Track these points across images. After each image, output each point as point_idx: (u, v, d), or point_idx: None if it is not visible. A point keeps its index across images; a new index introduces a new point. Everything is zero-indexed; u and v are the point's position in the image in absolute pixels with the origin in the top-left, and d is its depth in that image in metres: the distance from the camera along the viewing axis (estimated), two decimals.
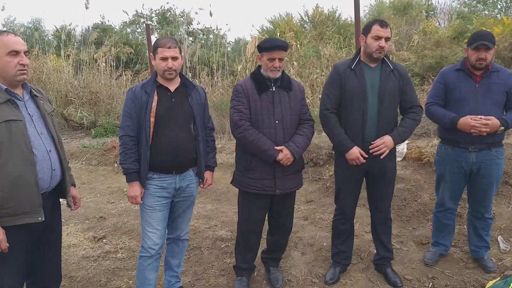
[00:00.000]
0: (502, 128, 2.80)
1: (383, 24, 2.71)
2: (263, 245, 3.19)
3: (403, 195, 4.15)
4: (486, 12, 15.30)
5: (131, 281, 3.15)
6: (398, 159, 4.77)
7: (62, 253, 2.47)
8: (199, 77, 10.13)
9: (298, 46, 10.14)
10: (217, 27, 17.54)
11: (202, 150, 2.67)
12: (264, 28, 14.24)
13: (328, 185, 4.81)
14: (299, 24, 14.26)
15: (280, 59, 2.76)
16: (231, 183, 3.02)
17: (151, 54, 2.56)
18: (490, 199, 3.03)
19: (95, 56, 11.05)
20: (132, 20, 17.80)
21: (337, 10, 15.80)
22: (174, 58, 2.48)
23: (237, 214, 3.03)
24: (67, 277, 3.22)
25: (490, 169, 2.94)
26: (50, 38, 15.88)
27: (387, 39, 2.72)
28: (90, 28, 15.66)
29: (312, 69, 9.42)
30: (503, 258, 3.23)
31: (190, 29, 16.70)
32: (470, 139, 2.89)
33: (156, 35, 16.10)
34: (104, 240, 3.99)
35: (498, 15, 13.91)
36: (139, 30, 17.95)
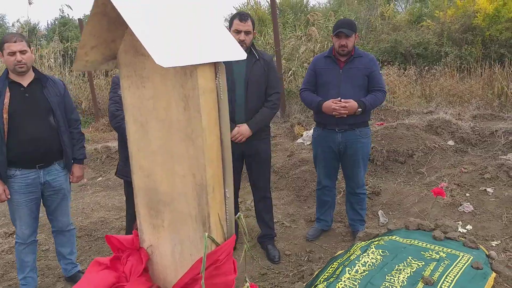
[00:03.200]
0: (360, 110, 3.01)
1: (242, 18, 2.87)
2: None
3: (304, 176, 4.37)
4: None
5: None
6: (308, 142, 5.00)
7: None
8: None
9: (260, 36, 10.16)
10: None
11: (66, 142, 2.76)
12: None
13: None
14: (267, 12, 14.36)
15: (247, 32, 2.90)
16: (115, 175, 3.14)
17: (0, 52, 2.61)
18: (359, 175, 3.27)
19: (44, 52, 10.85)
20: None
21: None
22: (23, 52, 2.56)
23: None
24: None
25: (355, 147, 3.16)
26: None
27: (247, 32, 2.88)
28: (57, 22, 15.25)
29: None
30: (381, 231, 3.48)
31: None
32: (334, 121, 3.10)
33: None
34: (14, 236, 4.05)
35: None
36: None
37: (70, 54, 11.22)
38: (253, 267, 3.12)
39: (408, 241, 2.44)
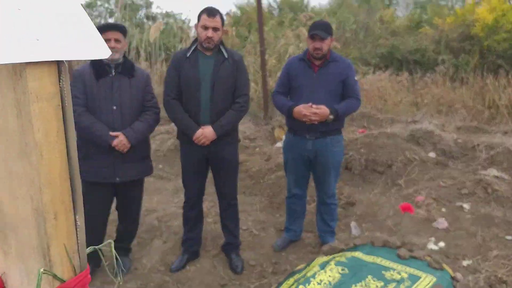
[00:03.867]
0: (331, 117, 2.87)
1: (210, 13, 2.71)
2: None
3: (280, 182, 4.22)
4: (442, 2, 15.71)
5: None
6: None
7: None
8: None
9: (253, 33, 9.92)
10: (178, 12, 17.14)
11: None
12: (232, 14, 14.05)
13: None
14: (267, 10, 14.24)
15: (117, 40, 2.73)
16: None
17: None
18: (330, 185, 3.12)
19: None
20: (89, 3, 17.15)
21: None
22: None
23: None
24: None
25: (326, 156, 3.02)
26: None
27: (215, 29, 2.73)
28: None
29: (247, 56, 9.37)
30: (350, 244, 3.34)
31: (150, 13, 16.32)
32: (305, 127, 2.95)
33: (113, 19, 15.60)
34: None
35: (457, 5, 14.30)
36: (95, 13, 17.32)
37: None
38: (213, 277, 2.97)
39: (371, 259, 2.30)
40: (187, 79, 2.80)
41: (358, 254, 2.35)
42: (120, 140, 2.71)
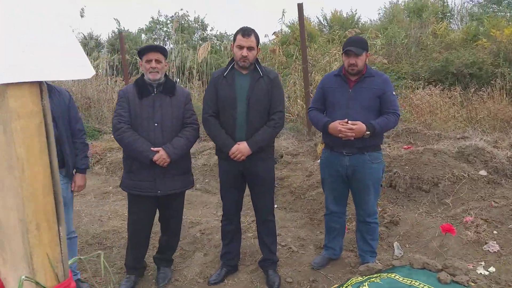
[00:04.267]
0: (368, 133, 2.82)
1: (245, 33, 2.80)
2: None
3: (321, 199, 4.17)
4: (500, 13, 14.96)
5: None
6: None
7: None
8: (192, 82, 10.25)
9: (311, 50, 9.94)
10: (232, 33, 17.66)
11: (67, 151, 2.80)
12: (280, 33, 14.24)
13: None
14: (317, 28, 14.32)
15: (157, 61, 2.89)
16: (119, 186, 3.15)
17: None
18: (369, 203, 3.05)
19: (95, 62, 11.46)
20: (149, 27, 18.15)
21: (356, 13, 15.52)
22: None
23: None
24: None
25: (363, 172, 2.96)
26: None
27: (250, 48, 2.81)
28: (112, 35, 16.10)
29: (293, 74, 9.43)
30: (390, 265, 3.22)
31: (205, 35, 16.99)
32: (342, 143, 2.92)
33: (170, 42, 16.31)
34: None
35: None
36: (155, 36, 18.26)
37: (117, 65, 11.73)
38: None
39: (408, 281, 2.21)
40: (224, 97, 2.89)
41: (395, 276, 2.27)
42: (160, 155, 2.84)
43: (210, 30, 17.30)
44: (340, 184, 3.08)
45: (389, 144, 4.77)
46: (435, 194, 3.85)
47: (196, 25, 17.62)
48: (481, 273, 2.81)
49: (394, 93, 2.97)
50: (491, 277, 2.74)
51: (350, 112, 2.89)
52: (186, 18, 17.97)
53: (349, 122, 2.83)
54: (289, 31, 13.82)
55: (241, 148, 2.83)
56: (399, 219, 3.69)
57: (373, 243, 3.15)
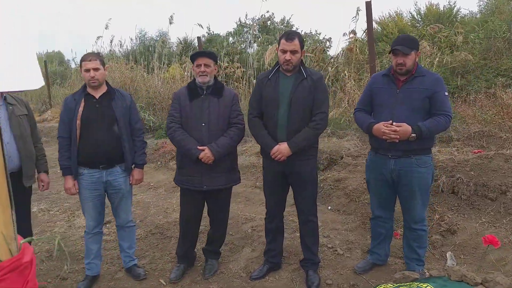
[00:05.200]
0: (414, 135, 2.69)
1: (288, 37, 2.85)
2: None
3: None
4: None
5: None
6: None
7: None
8: None
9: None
10: (316, 32, 17.53)
11: (127, 148, 3.11)
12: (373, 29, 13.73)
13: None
14: (409, 24, 13.71)
15: (206, 65, 3.09)
16: (173, 181, 3.41)
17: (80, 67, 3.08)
18: (416, 209, 2.90)
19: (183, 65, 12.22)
20: (236, 30, 18.82)
21: (455, 5, 13.99)
22: (96, 69, 2.98)
23: None
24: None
25: (410, 177, 2.83)
26: (174, 49, 17.52)
27: (293, 52, 2.85)
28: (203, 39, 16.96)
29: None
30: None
31: None
32: (386, 145, 2.83)
33: (256, 44, 16.74)
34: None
35: None
36: (242, 39, 18.84)
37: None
38: None
39: None
40: (267, 99, 2.98)
41: (426, 286, 2.15)
42: (205, 153, 3.03)
43: (296, 30, 17.35)
44: (385, 188, 2.98)
45: (457, 148, 4.44)
46: (502, 203, 3.50)
47: (282, 26, 17.81)
48: None
49: (446, 93, 2.80)
50: None
51: (396, 113, 2.79)
52: (272, 20, 18.27)
53: (394, 123, 2.73)
54: (379, 28, 13.29)
55: (281, 149, 2.89)
56: (458, 228, 3.44)
57: (420, 251, 2.99)
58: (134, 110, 3.23)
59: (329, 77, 9.12)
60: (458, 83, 8.49)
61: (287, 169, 3.01)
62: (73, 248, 4.01)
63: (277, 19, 18.19)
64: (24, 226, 3.06)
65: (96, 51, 14.95)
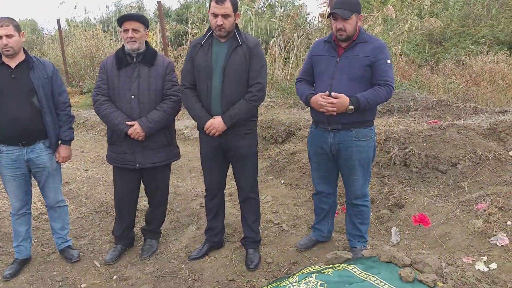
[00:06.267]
0: (351, 107, 2.50)
1: (218, 0, 2.57)
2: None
3: None
4: None
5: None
6: None
7: None
8: None
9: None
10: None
11: (49, 122, 2.83)
12: None
13: (270, 163, 4.69)
14: None
15: (135, 30, 2.80)
16: (105, 158, 3.17)
17: None
18: (357, 184, 2.75)
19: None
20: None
21: None
22: (9, 36, 2.66)
23: None
24: None
25: (350, 151, 2.66)
26: (151, 16, 16.77)
27: (225, 16, 2.58)
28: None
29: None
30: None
31: (270, 2, 16.60)
32: (325, 118, 2.64)
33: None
34: None
35: None
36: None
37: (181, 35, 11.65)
38: (225, 271, 2.89)
39: (364, 276, 1.97)
40: (199, 68, 2.73)
41: (353, 268, 2.02)
42: (134, 129, 2.79)
43: None
44: (326, 162, 2.82)
45: (414, 118, 4.30)
46: (452, 176, 3.40)
47: None
48: (479, 269, 2.44)
49: (388, 61, 2.59)
50: (489, 275, 2.36)
51: (335, 84, 2.59)
52: None
53: (332, 94, 2.53)
54: None
55: (215, 123, 2.67)
56: (406, 202, 3.34)
57: (362, 228, 2.87)
58: (57, 81, 2.92)
59: (301, 43, 8.76)
60: (436, 50, 8.31)
61: (224, 144, 2.80)
62: (9, 229, 3.77)
63: None
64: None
65: (70, 19, 14.13)
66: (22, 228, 3.04)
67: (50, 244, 3.45)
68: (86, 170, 5.64)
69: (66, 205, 3.23)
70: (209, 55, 2.70)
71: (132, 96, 2.84)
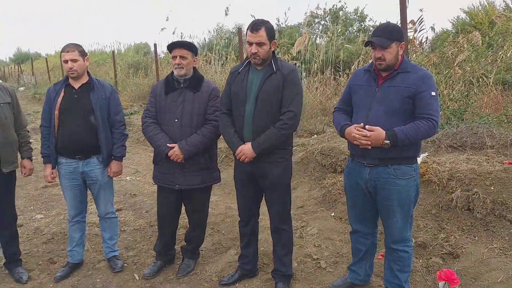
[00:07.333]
0: (387, 142, 2.31)
1: (253, 28, 2.60)
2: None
3: None
4: None
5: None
6: None
7: None
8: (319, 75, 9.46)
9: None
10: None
11: (103, 139, 3.08)
12: (460, 19, 12.59)
13: (323, 193, 4.51)
14: (503, 13, 12.39)
15: (182, 57, 2.96)
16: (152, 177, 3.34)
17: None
18: (395, 227, 2.51)
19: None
20: (308, 21, 18.42)
21: None
22: (74, 60, 2.98)
23: None
24: None
25: (387, 189, 2.45)
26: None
27: (259, 44, 2.60)
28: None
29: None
30: None
31: (363, 26, 16.54)
32: (361, 152, 2.48)
33: (326, 35, 16.04)
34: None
35: None
36: (312, 30, 18.25)
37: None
38: None
39: None
40: (235, 94, 2.77)
41: None
42: (174, 151, 2.91)
43: (369, 21, 16.50)
44: (362, 199, 2.62)
45: (488, 156, 3.82)
46: None
47: (356, 16, 17.10)
48: None
49: (433, 93, 2.36)
50: None
51: (371, 116, 2.43)
52: (344, 10, 17.50)
53: (367, 127, 2.37)
54: (468, 18, 12.06)
55: (244, 149, 2.67)
56: (462, 251, 2.94)
57: (401, 276, 2.59)
58: (114, 101, 3.19)
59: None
60: None
61: (256, 171, 2.78)
62: None
63: (350, 9, 17.35)
64: (8, 211, 3.20)
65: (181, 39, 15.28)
66: (76, 234, 3.32)
67: (102, 251, 3.70)
68: (155, 184, 5.98)
69: (116, 216, 3.46)
70: (245, 82, 2.72)
71: (176, 120, 2.98)
